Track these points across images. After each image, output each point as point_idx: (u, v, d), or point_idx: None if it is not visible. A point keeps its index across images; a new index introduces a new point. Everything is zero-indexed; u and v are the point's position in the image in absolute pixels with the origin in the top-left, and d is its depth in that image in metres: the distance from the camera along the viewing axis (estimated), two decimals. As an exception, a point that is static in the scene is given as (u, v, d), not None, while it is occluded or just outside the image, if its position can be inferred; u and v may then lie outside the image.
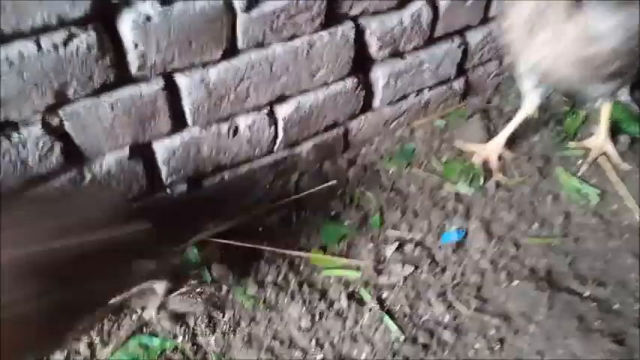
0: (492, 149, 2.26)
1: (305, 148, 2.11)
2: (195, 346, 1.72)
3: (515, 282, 1.87)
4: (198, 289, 1.85)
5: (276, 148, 2.03)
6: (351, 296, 1.84)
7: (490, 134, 2.36)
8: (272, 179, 2.13)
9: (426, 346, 1.71)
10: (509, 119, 2.42)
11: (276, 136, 1.99)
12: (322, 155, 2.18)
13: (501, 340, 1.73)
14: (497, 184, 2.18)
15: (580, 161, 2.28)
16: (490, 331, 1.75)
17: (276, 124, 1.96)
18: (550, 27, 1.72)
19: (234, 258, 1.92)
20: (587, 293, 1.84)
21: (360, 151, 2.30)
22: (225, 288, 1.87)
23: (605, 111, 2.26)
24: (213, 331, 1.76)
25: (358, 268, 1.92)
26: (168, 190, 1.90)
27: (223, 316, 1.80)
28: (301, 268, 1.93)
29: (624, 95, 2.50)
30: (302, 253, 1.96)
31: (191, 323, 1.77)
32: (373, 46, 2.02)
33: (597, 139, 2.29)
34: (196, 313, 1.79)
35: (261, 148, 1.99)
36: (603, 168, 2.24)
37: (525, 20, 1.77)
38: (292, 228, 2.04)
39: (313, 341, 1.74)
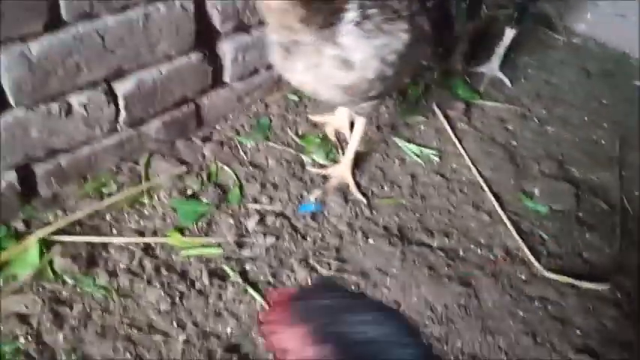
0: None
1: (153, 126, 2.00)
2: (40, 346, 1.55)
3: (371, 241, 1.95)
4: (35, 287, 1.67)
5: (119, 127, 1.89)
6: (213, 273, 1.78)
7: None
8: (118, 161, 1.99)
9: (290, 312, 1.71)
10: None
11: (117, 115, 1.86)
12: (174, 133, 2.09)
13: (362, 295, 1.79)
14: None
15: (422, 127, 2.44)
16: (351, 288, 1.80)
17: (116, 101, 1.83)
18: (306, 54, 1.63)
19: (80, 250, 1.76)
20: (435, 244, 1.98)
21: (215, 127, 2.24)
22: (71, 282, 1.70)
23: (358, 129, 2.08)
24: (61, 328, 1.60)
25: (219, 245, 1.87)
26: (-7, 180, 1.68)
27: (71, 311, 1.64)
28: (157, 252, 1.83)
29: (496, 71, 2.72)
30: (156, 239, 1.85)
31: (34, 323, 1.59)
32: (216, 19, 1.97)
33: (339, 168, 2.14)
34: (38, 312, 1.61)
35: (102, 128, 1.84)
36: (443, 130, 2.42)
37: (280, 43, 1.66)
38: (145, 212, 1.93)
39: (175, 323, 1.65)
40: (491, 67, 2.74)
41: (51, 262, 1.72)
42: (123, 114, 1.86)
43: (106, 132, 1.86)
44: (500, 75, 2.74)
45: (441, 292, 1.81)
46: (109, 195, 1.93)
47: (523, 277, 1.90)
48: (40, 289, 1.67)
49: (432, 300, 1.79)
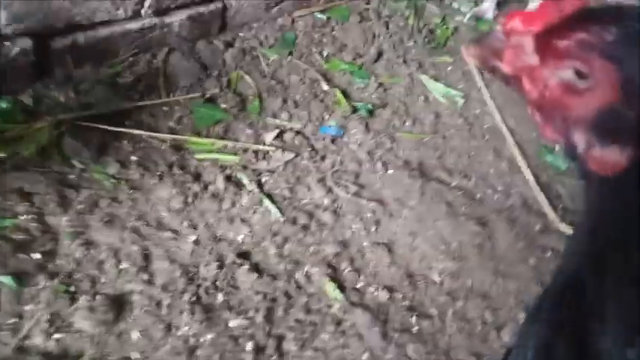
0: None
1: (177, 18, 1.87)
2: (42, 225, 1.46)
3: (390, 171, 1.89)
4: (42, 167, 1.57)
5: (144, 11, 1.76)
6: (228, 179, 1.71)
7: (366, 37, 2.33)
8: (136, 51, 1.86)
9: (305, 227, 1.66)
10: (386, 23, 2.41)
11: (145, -3, 1.72)
12: (196, 31, 1.96)
13: (377, 223, 1.74)
14: (379, 84, 2.17)
15: (449, 68, 2.36)
16: (367, 214, 1.76)
17: (145, -19, 1.69)
18: None
19: (91, 136, 1.66)
20: (454, 183, 1.93)
21: (239, 34, 2.11)
22: (79, 166, 1.61)
23: None
24: (66, 211, 1.51)
25: (236, 153, 1.79)
26: (7, 44, 1.54)
27: (78, 195, 1.55)
28: (171, 151, 1.73)
29: None
30: (172, 136, 1.76)
31: (37, 202, 1.50)
32: None
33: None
34: (42, 192, 1.51)
35: (126, 9, 1.71)
36: (470, 74, 2.35)
37: None
38: (160, 109, 1.82)
39: (185, 222, 1.59)
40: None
41: (60, 144, 1.61)
42: (150, -3, 1.73)
43: (129, 15, 1.73)
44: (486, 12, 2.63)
45: (457, 230, 1.77)
46: (124, 85, 1.81)
47: (538, 227, 1.87)
48: (46, 170, 1.57)
49: (447, 236, 1.76)
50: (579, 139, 0.63)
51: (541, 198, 1.95)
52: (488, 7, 2.61)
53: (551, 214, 1.91)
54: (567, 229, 1.87)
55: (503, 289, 1.69)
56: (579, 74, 0.62)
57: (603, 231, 0.61)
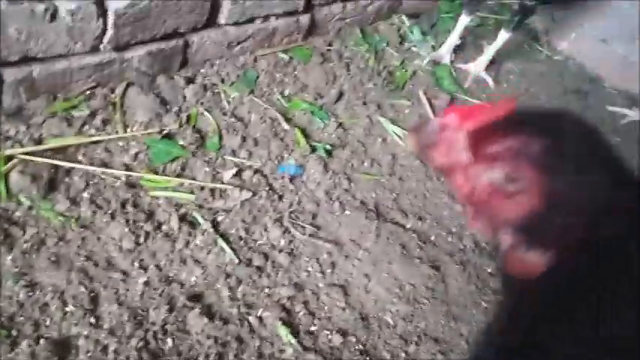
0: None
1: (137, 53, 1.85)
2: (-16, 266, 1.40)
3: (347, 212, 1.91)
4: (-12, 203, 1.51)
5: (102, 46, 1.74)
6: (182, 218, 1.68)
7: (327, 77, 2.37)
8: (94, 85, 1.83)
9: (260, 268, 1.65)
10: (347, 65, 2.47)
11: (104, 32, 1.70)
12: (157, 67, 1.95)
13: (333, 264, 1.75)
14: (339, 124, 2.20)
15: (407, 110, 2.42)
16: (323, 256, 1.76)
17: (105, 17, 1.67)
18: None
19: (41, 171, 1.61)
20: (409, 225, 1.96)
21: (200, 70, 2.11)
22: (27, 203, 1.55)
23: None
24: (10, 250, 1.45)
25: (192, 191, 1.77)
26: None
27: (24, 234, 1.49)
28: (125, 187, 1.70)
29: (481, 71, 2.72)
30: (126, 172, 1.73)
31: (-21, 241, 1.44)
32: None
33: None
34: (-14, 230, 1.46)
35: (84, 44, 1.69)
36: (427, 118, 2.41)
37: None
38: (115, 144, 1.79)
39: (136, 263, 1.55)
40: (478, 67, 2.76)
41: (7, 180, 1.56)
42: (110, 33, 1.71)
43: (87, 49, 1.71)
44: (485, 75, 2.76)
45: (411, 272, 1.80)
46: (79, 119, 1.77)
47: (489, 270, 1.92)
48: (-9, 206, 1.51)
49: (401, 278, 1.78)
50: (504, 239, 0.66)
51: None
52: (445, 52, 2.71)
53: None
54: (517, 273, 1.92)
55: (455, 332, 1.72)
56: (508, 178, 0.65)
57: (517, 328, 0.63)
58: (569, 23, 3.25)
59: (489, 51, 2.74)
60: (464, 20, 2.63)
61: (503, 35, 2.65)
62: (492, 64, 2.82)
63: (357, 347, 1.58)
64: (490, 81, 2.76)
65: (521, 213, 0.64)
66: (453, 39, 2.69)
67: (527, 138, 0.64)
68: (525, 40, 3.18)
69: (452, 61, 2.74)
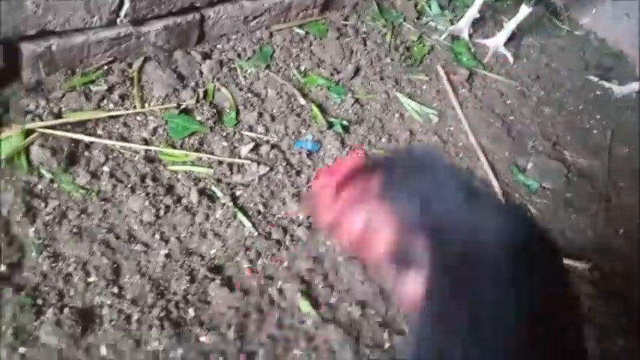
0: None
1: (154, 28, 1.85)
2: (9, 237, 1.42)
3: (366, 187, 1.90)
4: (9, 176, 1.52)
5: (119, 20, 1.73)
6: (201, 192, 1.69)
7: (344, 53, 2.35)
8: (111, 59, 1.83)
9: (279, 242, 1.65)
10: (364, 40, 2.44)
11: (121, 5, 1.70)
12: (173, 42, 1.94)
13: (352, 239, 1.74)
14: (356, 100, 2.18)
15: (424, 86, 2.40)
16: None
17: (123, -10, 1.67)
18: None
19: (61, 145, 1.62)
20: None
21: (216, 45, 2.10)
22: (48, 177, 1.57)
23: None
24: (33, 222, 1.47)
25: (210, 166, 1.77)
26: (-26, 48, 1.50)
27: (46, 206, 1.51)
28: (144, 162, 1.70)
29: (501, 46, 2.68)
30: (145, 147, 1.73)
31: (4, 212, 1.46)
32: None
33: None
34: (9, 202, 1.47)
35: (101, 17, 1.68)
36: (445, 93, 2.38)
37: None
38: (134, 119, 1.79)
39: (157, 235, 1.56)
40: (497, 41, 2.71)
41: (28, 153, 1.57)
42: (126, 6, 1.71)
43: (104, 22, 1.70)
44: (504, 50, 2.71)
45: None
46: (97, 94, 1.78)
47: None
48: (14, 179, 1.53)
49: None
50: (387, 275, 0.67)
51: (512, 216, 1.98)
52: (463, 25, 2.67)
53: (522, 232, 1.94)
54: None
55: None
56: (367, 219, 0.67)
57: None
58: (591, -3, 3.17)
59: (509, 26, 2.69)
60: (525, 11, 2.58)
61: (524, 10, 2.59)
62: (512, 40, 2.77)
63: (376, 319, 1.58)
64: (509, 56, 2.71)
65: (385, 246, 0.66)
66: (472, 12, 2.65)
67: (369, 177, 0.68)
68: (545, 14, 3.12)
69: (470, 36, 2.70)
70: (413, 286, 0.64)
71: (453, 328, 0.58)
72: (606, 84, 2.78)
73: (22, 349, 1.27)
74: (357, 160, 0.71)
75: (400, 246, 0.64)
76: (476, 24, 2.75)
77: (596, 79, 2.79)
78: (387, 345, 1.53)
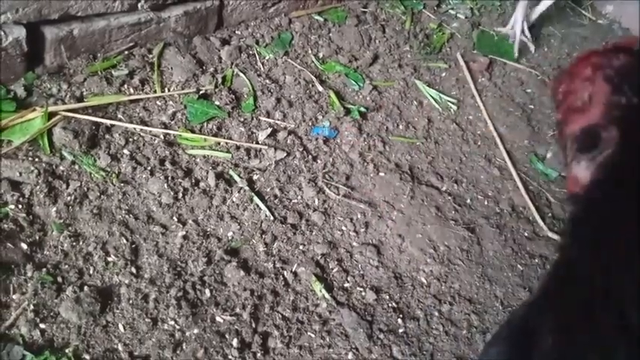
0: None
1: (174, 13, 1.86)
2: (31, 216, 1.45)
3: (382, 174, 1.90)
4: (32, 157, 1.56)
5: (140, 5, 1.75)
6: (219, 176, 1.71)
7: (362, 40, 2.34)
8: (131, 44, 1.85)
9: (294, 226, 1.66)
10: (382, 28, 2.43)
11: (142, -9, 1.72)
12: (193, 27, 1.96)
13: (366, 224, 1.75)
14: (374, 87, 2.17)
15: (444, 74, 2.38)
16: (356, 216, 1.76)
17: (143, -25, 1.69)
18: None
19: (83, 128, 1.65)
20: (444, 188, 1.94)
21: (235, 31, 2.11)
22: (69, 158, 1.60)
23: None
24: (54, 202, 1.50)
25: (228, 150, 1.79)
26: (0, 32, 1.53)
27: (67, 187, 1.54)
28: (163, 146, 1.73)
29: (520, 34, 2.62)
30: (165, 130, 1.75)
31: (26, 192, 1.49)
32: None
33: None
34: (32, 182, 1.51)
35: (122, 2, 1.71)
36: (464, 81, 2.36)
37: None
38: (153, 104, 1.82)
39: (175, 218, 1.58)
40: (517, 30, 2.66)
41: (50, 135, 1.60)
42: (147, -9, 1.73)
43: (125, 8, 1.73)
44: (525, 39, 2.67)
45: (446, 234, 1.78)
46: (118, 78, 1.80)
47: (526, 234, 1.89)
48: (37, 160, 1.56)
49: (435, 239, 1.77)
50: (567, 153, 0.67)
51: (530, 205, 1.97)
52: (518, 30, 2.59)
53: (540, 222, 1.92)
54: (556, 237, 1.89)
55: (489, 293, 1.71)
56: (587, 92, 0.67)
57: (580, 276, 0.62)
58: (615, -15, 3.10)
59: (531, 15, 2.65)
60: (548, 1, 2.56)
61: (546, 2, 2.55)
62: (533, 28, 2.72)
63: (390, 304, 1.58)
64: (531, 45, 2.67)
65: (582, 127, 0.65)
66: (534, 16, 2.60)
67: (610, 55, 0.67)
68: (567, 3, 3.06)
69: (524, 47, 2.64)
70: (585, 170, 0.65)
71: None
72: None
73: (42, 325, 1.30)
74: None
75: (592, 132, 0.64)
76: (499, 12, 2.71)
77: None
78: (400, 330, 1.54)
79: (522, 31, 2.62)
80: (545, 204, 2.02)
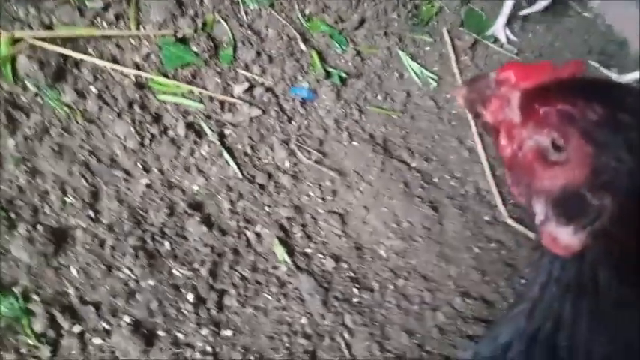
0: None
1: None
2: (-14, 146, 1.38)
3: (355, 143, 1.89)
4: (-7, 84, 1.47)
5: None
6: (189, 126, 1.65)
7: (351, 1, 2.27)
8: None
9: (262, 187, 1.64)
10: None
11: None
12: (177, -34, 1.85)
13: (334, 192, 1.75)
14: (357, 52, 2.13)
15: (427, 48, 2.35)
16: (325, 183, 1.75)
17: None
18: None
19: (49, 59, 1.56)
20: (414, 164, 1.95)
21: (220, -24, 2.01)
22: (33, 90, 1.51)
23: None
24: (13, 134, 1.43)
25: (201, 101, 1.73)
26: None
27: (28, 119, 1.46)
28: (133, 87, 1.65)
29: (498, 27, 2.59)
30: (136, 71, 1.68)
31: (-18, 120, 1.41)
32: None
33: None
34: (-10, 110, 1.42)
35: None
36: (446, 58, 2.34)
37: None
38: (127, 42, 1.73)
39: (139, 164, 1.53)
40: (499, 22, 2.62)
41: (14, 63, 1.51)
42: None
43: None
44: (506, 36, 2.63)
45: (410, 210, 1.80)
46: (92, 10, 1.70)
47: (486, 218, 1.93)
48: (-3, 87, 1.47)
49: (399, 214, 1.78)
50: (539, 210, 0.62)
51: (494, 190, 2.00)
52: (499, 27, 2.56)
53: (501, 208, 1.96)
54: (514, 224, 1.94)
55: (445, 272, 1.75)
56: (555, 146, 0.60)
57: (543, 308, 0.61)
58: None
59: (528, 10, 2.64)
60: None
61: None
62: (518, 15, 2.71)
63: (348, 274, 1.60)
64: (510, 36, 2.64)
65: (561, 186, 0.59)
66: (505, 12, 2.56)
67: (583, 105, 0.58)
68: (557, -8, 3.05)
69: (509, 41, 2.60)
70: (572, 236, 0.59)
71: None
72: (606, 71, 2.76)
73: (-8, 260, 1.26)
74: (570, 73, 0.62)
75: (577, 195, 0.58)
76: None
77: (597, 64, 2.77)
78: (355, 299, 1.57)
79: (504, 29, 2.60)
80: (508, 191, 2.05)
